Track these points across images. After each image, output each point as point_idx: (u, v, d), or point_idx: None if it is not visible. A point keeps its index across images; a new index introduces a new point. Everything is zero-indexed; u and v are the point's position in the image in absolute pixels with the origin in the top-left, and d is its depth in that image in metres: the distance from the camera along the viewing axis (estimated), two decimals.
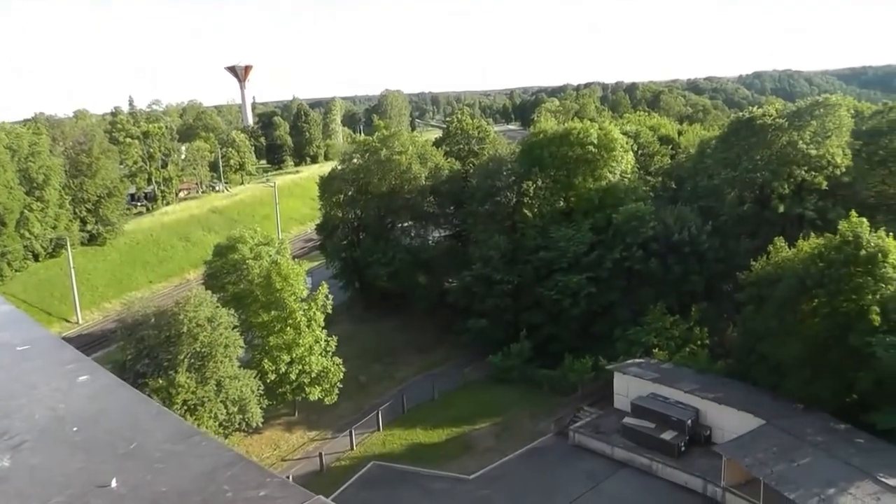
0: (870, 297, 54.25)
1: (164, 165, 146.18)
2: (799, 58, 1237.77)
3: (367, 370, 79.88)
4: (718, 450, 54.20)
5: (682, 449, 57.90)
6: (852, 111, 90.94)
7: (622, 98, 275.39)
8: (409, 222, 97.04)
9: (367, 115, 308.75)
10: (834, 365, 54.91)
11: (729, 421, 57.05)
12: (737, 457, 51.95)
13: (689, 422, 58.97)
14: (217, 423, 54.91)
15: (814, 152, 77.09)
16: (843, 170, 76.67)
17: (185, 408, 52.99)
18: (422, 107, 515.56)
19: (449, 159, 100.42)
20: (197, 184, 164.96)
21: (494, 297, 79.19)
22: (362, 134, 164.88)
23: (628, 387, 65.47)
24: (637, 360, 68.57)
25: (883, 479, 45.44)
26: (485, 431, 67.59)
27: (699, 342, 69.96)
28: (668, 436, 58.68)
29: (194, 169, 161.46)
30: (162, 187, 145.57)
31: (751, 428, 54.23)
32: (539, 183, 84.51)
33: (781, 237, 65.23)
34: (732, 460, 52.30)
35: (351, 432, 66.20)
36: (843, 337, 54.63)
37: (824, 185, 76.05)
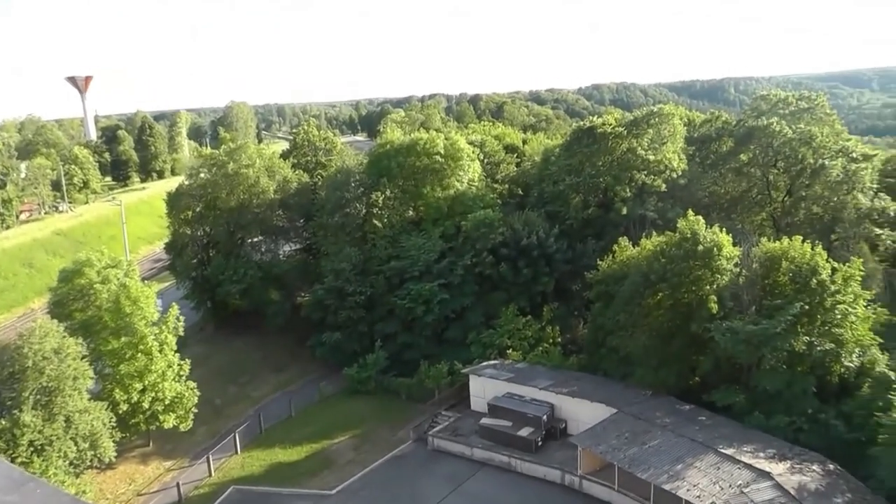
0: (707, 287, 58.10)
1: (3, 185, 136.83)
2: (634, 71, 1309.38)
3: (222, 392, 77.41)
4: (574, 441, 56.31)
5: (539, 443, 59.74)
6: (685, 120, 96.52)
7: (467, 109, 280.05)
8: (260, 237, 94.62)
9: (213, 127, 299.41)
10: (678, 352, 58.62)
11: (583, 413, 59.32)
12: (591, 445, 54.08)
13: (545, 417, 60.91)
14: (67, 462, 51.21)
15: (652, 157, 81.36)
16: (680, 173, 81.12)
17: (32, 449, 49.09)
18: (268, 118, 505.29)
19: (297, 171, 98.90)
20: (39, 204, 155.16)
21: (348, 309, 78.67)
22: (209, 147, 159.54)
23: (484, 388, 66.72)
24: (492, 362, 70.06)
25: (722, 450, 49.20)
26: (344, 445, 66.85)
27: (551, 340, 72.26)
28: (525, 432, 60.34)
29: (36, 188, 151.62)
30: (1, 210, 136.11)
31: (604, 417, 56.77)
32: (388, 193, 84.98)
33: (625, 237, 68.58)
34: (587, 449, 54.49)
35: (208, 458, 63.81)
36: (685, 326, 58.39)
37: (663, 187, 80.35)
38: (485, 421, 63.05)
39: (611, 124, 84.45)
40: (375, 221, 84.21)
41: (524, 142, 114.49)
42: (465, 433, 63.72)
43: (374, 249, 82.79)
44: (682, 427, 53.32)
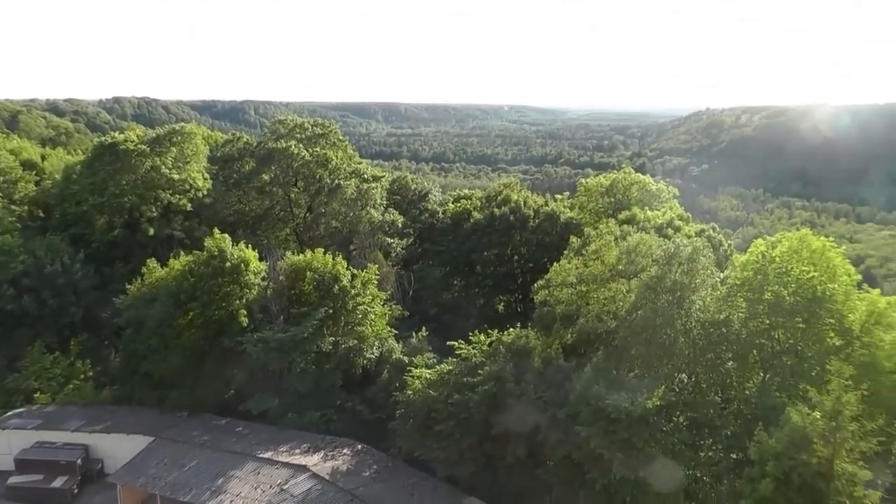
0: (237, 302, 59.51)
1: None
2: (156, 86, 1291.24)
3: None
4: (112, 479, 53.36)
5: (76, 491, 55.08)
6: (208, 139, 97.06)
7: None
8: None
9: None
10: (212, 368, 58.93)
11: (120, 448, 56.02)
12: (130, 481, 51.70)
13: (79, 461, 56.13)
14: None
15: (177, 176, 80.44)
16: (205, 192, 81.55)
17: None
18: None
19: None
20: None
21: None
22: None
23: (10, 442, 59.09)
24: (18, 410, 62.34)
25: (260, 455, 50.82)
26: None
27: (83, 376, 67.01)
28: (58, 483, 54.94)
29: None
30: None
31: (142, 448, 54.51)
32: None
33: (154, 258, 66.37)
34: (126, 485, 51.92)
35: None
36: (218, 341, 59.01)
37: (189, 206, 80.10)
38: (12, 480, 55.74)
39: (133, 141, 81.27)
40: None
41: (44, 158, 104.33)
42: None
43: None
44: (221, 441, 53.75)
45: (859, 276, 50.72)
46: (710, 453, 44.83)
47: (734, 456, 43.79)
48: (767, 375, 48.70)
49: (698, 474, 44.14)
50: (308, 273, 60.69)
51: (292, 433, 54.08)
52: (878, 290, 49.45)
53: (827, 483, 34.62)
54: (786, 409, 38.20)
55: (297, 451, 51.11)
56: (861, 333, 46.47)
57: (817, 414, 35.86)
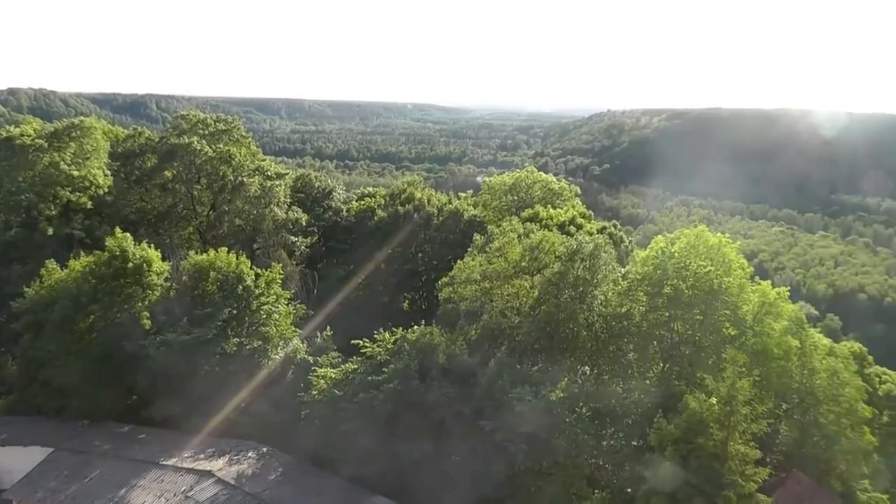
0: (140, 304, 57.58)
1: None
2: (54, 77, 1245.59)
3: None
4: (7, 495, 50.78)
5: None
6: (109, 134, 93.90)
7: None
8: None
9: None
10: (114, 373, 56.78)
11: (16, 461, 53.16)
12: (26, 496, 49.45)
13: None
14: None
15: (76, 173, 77.27)
16: (106, 189, 78.74)
17: None
18: None
19: None
20: None
21: None
22: None
23: None
24: None
25: (164, 462, 49.34)
26: None
27: None
28: None
29: None
30: None
31: (39, 460, 52.17)
32: None
33: (53, 259, 63.88)
34: (23, 501, 49.70)
35: None
36: (120, 346, 56.53)
37: (89, 204, 77.00)
38: None
39: (30, 135, 77.73)
40: None
41: None
42: None
43: None
44: (124, 450, 52.06)
45: (752, 270, 53.45)
46: (612, 441, 46.28)
47: (635, 443, 45.27)
48: (667, 365, 50.66)
49: (601, 462, 45.43)
50: (212, 273, 59.42)
51: (197, 438, 52.73)
52: (768, 282, 52.13)
53: (722, 464, 36.34)
54: (684, 396, 39.89)
55: (202, 456, 49.95)
56: (753, 323, 48.95)
57: (713, 400, 37.64)
